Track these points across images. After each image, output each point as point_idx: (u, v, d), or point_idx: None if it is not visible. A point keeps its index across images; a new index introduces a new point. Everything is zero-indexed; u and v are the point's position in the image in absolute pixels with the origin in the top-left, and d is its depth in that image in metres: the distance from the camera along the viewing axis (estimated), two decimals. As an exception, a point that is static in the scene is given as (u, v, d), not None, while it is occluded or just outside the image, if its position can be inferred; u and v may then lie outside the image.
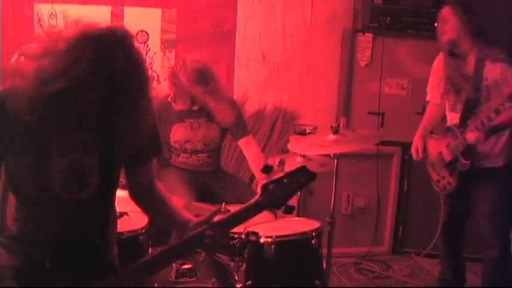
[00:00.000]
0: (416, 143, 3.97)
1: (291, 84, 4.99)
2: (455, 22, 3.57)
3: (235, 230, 3.03)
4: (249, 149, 4.01)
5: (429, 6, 4.73)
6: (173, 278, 2.58)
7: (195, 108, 3.95)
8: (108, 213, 2.09)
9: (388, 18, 4.67)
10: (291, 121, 4.99)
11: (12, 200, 1.96)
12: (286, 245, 3.04)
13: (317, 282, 3.04)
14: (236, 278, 2.91)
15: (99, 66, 1.77)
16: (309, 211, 4.30)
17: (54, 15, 4.41)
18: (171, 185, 3.75)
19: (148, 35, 4.65)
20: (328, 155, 3.76)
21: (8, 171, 1.94)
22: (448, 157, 3.68)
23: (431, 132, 4.03)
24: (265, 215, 3.51)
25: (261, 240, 3.01)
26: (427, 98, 3.99)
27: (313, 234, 3.09)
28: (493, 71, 3.47)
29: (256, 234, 3.01)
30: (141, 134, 1.92)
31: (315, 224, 3.19)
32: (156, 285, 2.74)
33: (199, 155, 4.03)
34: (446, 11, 3.65)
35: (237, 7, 4.82)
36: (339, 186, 3.84)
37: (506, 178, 3.60)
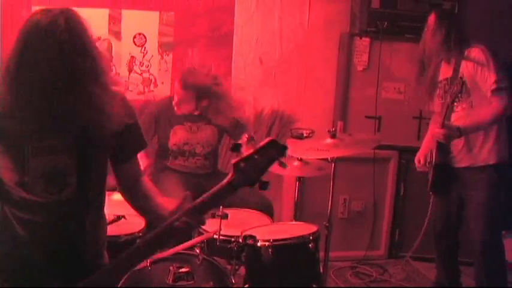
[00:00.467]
0: (419, 153, 4.01)
1: (288, 88, 4.99)
2: (437, 30, 3.65)
3: (232, 233, 3.09)
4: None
5: (426, 10, 4.70)
6: (170, 281, 2.56)
7: (196, 113, 3.96)
8: (88, 213, 2.07)
9: (385, 23, 4.69)
10: (287, 125, 4.98)
11: None
12: (283, 248, 3.04)
13: (314, 286, 3.04)
14: (233, 281, 2.91)
15: (46, 48, 1.84)
16: (306, 214, 4.29)
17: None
18: (168, 187, 3.76)
19: (145, 37, 4.64)
20: (326, 159, 3.77)
21: None
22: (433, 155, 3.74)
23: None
24: (262, 218, 3.52)
25: (259, 244, 3.01)
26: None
27: (311, 238, 3.10)
28: (467, 68, 3.51)
29: (253, 237, 3.02)
30: (105, 115, 1.95)
31: (312, 228, 3.20)
32: (153, 288, 2.74)
33: (197, 157, 4.04)
34: (431, 18, 3.74)
35: (235, 11, 4.81)
36: (335, 189, 3.85)
37: (494, 178, 3.60)
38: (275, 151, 2.03)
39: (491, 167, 3.58)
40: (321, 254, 3.42)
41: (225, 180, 2.03)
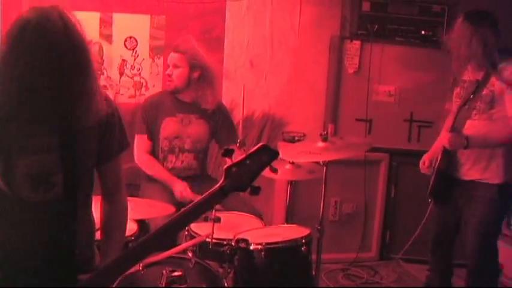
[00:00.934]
0: (424, 156, 3.81)
1: (279, 91, 4.99)
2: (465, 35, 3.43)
3: (225, 237, 3.09)
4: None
5: (416, 14, 4.78)
6: (163, 285, 2.56)
7: (188, 99, 3.98)
8: (76, 214, 2.06)
9: (376, 26, 4.71)
10: (279, 127, 4.99)
11: None
12: (276, 252, 3.05)
13: (306, 288, 3.05)
14: (226, 284, 2.91)
15: (38, 46, 1.83)
16: (297, 217, 4.29)
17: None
18: (157, 196, 3.73)
19: (137, 41, 4.64)
20: (317, 162, 3.78)
21: None
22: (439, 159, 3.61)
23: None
24: (254, 222, 3.52)
25: (251, 247, 3.01)
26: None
27: (303, 241, 3.10)
28: (501, 76, 3.33)
29: (246, 241, 3.02)
30: (93, 115, 1.96)
31: (305, 231, 3.20)
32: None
33: (186, 154, 4.02)
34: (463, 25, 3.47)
35: (226, 14, 4.81)
36: (326, 192, 3.86)
37: (498, 197, 3.47)
38: (267, 156, 2.04)
39: (495, 186, 3.45)
40: (313, 257, 3.44)
41: (216, 186, 2.04)
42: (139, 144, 3.97)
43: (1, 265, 2.01)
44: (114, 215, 2.31)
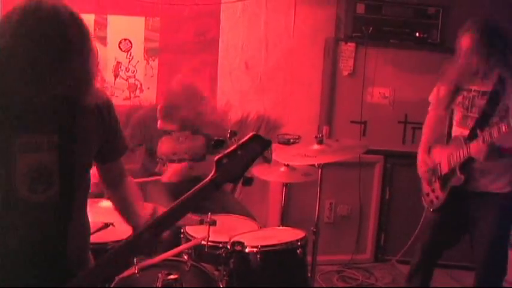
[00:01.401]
0: (422, 157, 3.73)
1: (274, 93, 5.00)
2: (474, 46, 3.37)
3: (220, 239, 3.09)
4: None
5: (411, 16, 4.80)
6: (159, 288, 2.57)
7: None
8: (72, 214, 2.04)
9: (371, 28, 4.73)
10: (274, 129, 4.99)
11: None
12: (271, 254, 3.05)
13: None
14: (221, 287, 2.92)
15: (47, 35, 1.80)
16: (291, 220, 4.30)
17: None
18: (156, 196, 3.75)
19: (131, 43, 4.64)
20: (312, 165, 3.79)
21: None
22: (445, 168, 3.53)
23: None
24: (249, 224, 3.53)
25: (247, 250, 3.02)
26: (430, 108, 3.82)
27: (299, 243, 3.11)
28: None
29: (241, 244, 3.03)
30: (92, 98, 1.95)
31: (300, 234, 3.21)
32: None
33: (186, 162, 4.04)
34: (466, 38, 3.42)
35: (220, 16, 4.82)
36: (321, 194, 3.86)
37: (509, 205, 3.44)
38: (259, 146, 1.98)
39: (506, 195, 3.41)
40: (308, 259, 3.45)
41: (207, 178, 1.97)
42: None
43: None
44: (127, 193, 2.33)
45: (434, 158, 3.66)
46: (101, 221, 2.97)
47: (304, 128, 4.86)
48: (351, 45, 4.82)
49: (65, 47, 1.82)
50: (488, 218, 3.44)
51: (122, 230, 3.06)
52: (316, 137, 3.66)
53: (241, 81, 4.94)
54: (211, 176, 1.97)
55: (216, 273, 3.05)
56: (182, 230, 3.24)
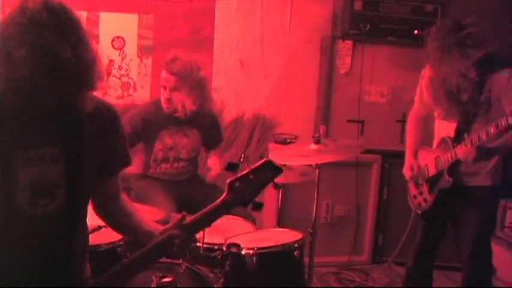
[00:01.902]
0: (409, 161, 3.72)
1: (270, 92, 4.98)
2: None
3: (216, 241, 3.07)
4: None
5: (409, 13, 4.77)
6: (153, 291, 2.54)
7: (182, 114, 3.93)
8: (75, 227, 2.04)
9: (368, 25, 4.70)
10: (269, 129, 4.98)
11: None
12: (268, 256, 3.04)
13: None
14: (217, 289, 2.90)
15: (38, 49, 1.76)
16: (288, 220, 4.29)
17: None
18: (150, 197, 3.73)
19: (124, 41, 4.61)
20: (309, 165, 3.77)
21: None
22: (432, 171, 3.53)
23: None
24: (245, 225, 3.51)
25: (243, 252, 3.00)
26: (413, 107, 3.80)
27: (296, 245, 3.10)
28: (499, 81, 3.27)
29: (237, 246, 3.01)
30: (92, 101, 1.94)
31: (297, 235, 3.19)
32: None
33: (182, 163, 4.03)
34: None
35: (215, 13, 4.80)
36: (318, 195, 3.84)
37: (491, 200, 3.49)
38: (270, 172, 2.06)
39: (488, 188, 3.43)
40: (305, 260, 3.42)
41: (219, 200, 2.05)
42: None
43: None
44: (125, 206, 2.27)
45: (421, 161, 3.66)
46: (93, 224, 2.94)
47: (300, 127, 4.84)
48: (348, 43, 4.80)
49: (62, 57, 1.79)
50: (470, 214, 3.45)
51: (114, 232, 3.04)
52: (313, 137, 3.64)
53: (236, 80, 4.92)
54: (223, 197, 2.05)
55: (211, 275, 3.03)
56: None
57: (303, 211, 4.25)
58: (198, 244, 2.98)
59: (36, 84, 1.77)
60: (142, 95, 4.64)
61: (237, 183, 2.03)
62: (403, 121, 4.83)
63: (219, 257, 3.01)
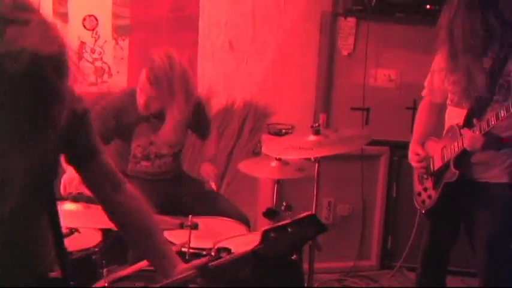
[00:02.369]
0: (413, 148, 3.72)
1: (263, 77, 5.00)
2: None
3: (203, 246, 3.08)
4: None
5: (419, -14, 4.78)
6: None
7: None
8: (37, 224, 2.02)
9: (374, 0, 4.69)
10: (263, 118, 5.00)
11: None
12: (263, 262, 3.02)
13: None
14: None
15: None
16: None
17: None
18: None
19: (97, 20, 4.61)
20: (308, 158, 3.77)
21: None
22: (438, 163, 3.51)
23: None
24: (237, 227, 3.52)
25: (234, 258, 3.00)
26: (423, 94, 3.77)
27: (294, 249, 3.09)
28: None
29: (228, 250, 3.01)
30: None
31: (295, 238, 3.19)
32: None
33: (164, 159, 4.02)
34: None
35: (200, -12, 4.80)
36: (318, 192, 3.85)
37: (510, 199, 3.40)
38: (312, 229, 2.07)
39: (505, 185, 3.37)
40: (305, 266, 3.43)
41: (250, 248, 2.03)
42: None
43: None
44: (121, 210, 2.21)
45: (428, 153, 3.64)
46: (65, 227, 2.94)
47: (297, 116, 4.86)
48: (351, 21, 4.81)
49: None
50: (485, 214, 3.42)
51: (88, 237, 3.05)
52: (311, 127, 3.64)
53: (225, 64, 4.93)
54: (255, 246, 2.02)
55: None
56: None
57: (301, 210, 4.23)
58: (183, 249, 2.99)
59: None
60: (118, 82, 4.64)
61: (272, 234, 2.01)
62: (413, 108, 4.83)
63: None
